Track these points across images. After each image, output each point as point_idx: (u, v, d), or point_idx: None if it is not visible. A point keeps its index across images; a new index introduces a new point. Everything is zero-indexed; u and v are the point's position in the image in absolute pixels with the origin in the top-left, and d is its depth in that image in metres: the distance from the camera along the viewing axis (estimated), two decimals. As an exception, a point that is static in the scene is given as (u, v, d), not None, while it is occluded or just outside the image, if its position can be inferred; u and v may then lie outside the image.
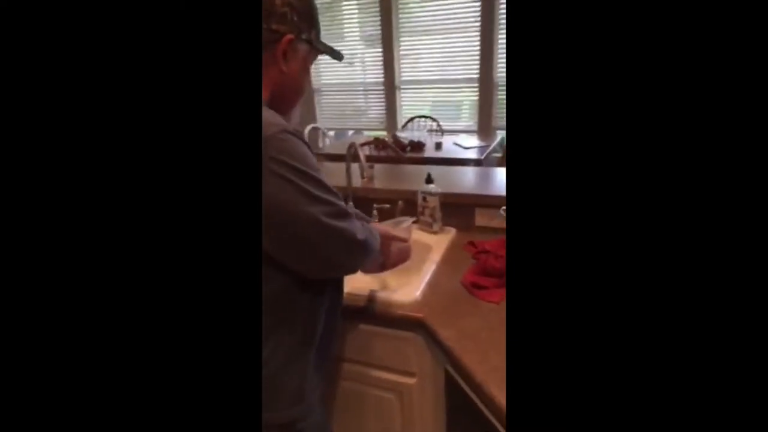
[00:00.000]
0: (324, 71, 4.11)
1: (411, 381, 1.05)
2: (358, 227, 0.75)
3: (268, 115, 0.69)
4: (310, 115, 4.13)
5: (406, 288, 1.07)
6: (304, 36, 0.77)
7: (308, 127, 3.50)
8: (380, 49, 3.82)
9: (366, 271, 0.99)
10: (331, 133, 4.22)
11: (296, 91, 0.83)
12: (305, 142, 0.71)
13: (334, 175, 1.56)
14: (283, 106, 0.79)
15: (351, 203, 1.42)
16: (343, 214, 0.72)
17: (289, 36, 0.74)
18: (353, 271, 0.84)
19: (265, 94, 0.77)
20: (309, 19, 0.78)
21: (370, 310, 1.02)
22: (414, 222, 1.41)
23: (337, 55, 0.89)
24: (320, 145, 3.74)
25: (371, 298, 1.04)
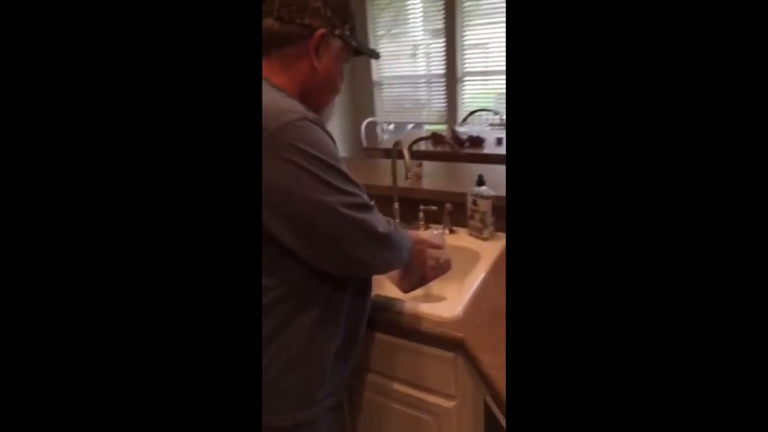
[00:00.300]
0: (386, 65, 4.03)
1: (450, 404, 0.95)
2: (381, 221, 0.70)
3: (289, 103, 0.66)
4: (370, 109, 4.07)
5: (448, 301, 0.98)
6: (337, 32, 0.74)
7: (365, 121, 3.46)
8: (443, 40, 3.67)
9: (405, 288, 0.92)
10: (391, 126, 4.15)
11: (329, 88, 0.79)
12: (327, 131, 0.67)
13: (386, 172, 1.49)
14: (315, 103, 0.75)
15: (396, 204, 1.33)
16: (364, 207, 0.67)
17: (322, 30, 0.71)
18: (377, 269, 0.77)
19: (296, 89, 0.73)
20: (343, 15, 0.75)
21: (408, 324, 0.94)
22: (463, 227, 1.31)
23: (372, 54, 0.85)
24: (378, 139, 3.69)
25: (409, 311, 0.95)
